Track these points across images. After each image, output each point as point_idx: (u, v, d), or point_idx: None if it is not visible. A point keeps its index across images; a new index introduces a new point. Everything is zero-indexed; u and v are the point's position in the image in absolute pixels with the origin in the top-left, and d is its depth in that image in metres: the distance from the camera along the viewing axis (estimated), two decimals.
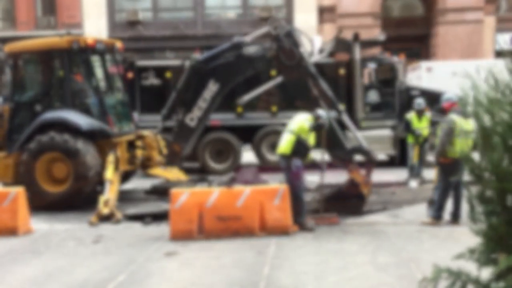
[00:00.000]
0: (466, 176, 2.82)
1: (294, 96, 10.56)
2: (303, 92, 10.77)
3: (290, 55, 8.86)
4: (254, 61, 9.21)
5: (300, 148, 7.35)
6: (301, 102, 10.65)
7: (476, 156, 2.72)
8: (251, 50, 9.26)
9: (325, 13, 21.49)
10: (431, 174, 9.34)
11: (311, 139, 7.57)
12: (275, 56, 8.94)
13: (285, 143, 7.37)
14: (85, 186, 9.08)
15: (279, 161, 7.60)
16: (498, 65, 3.12)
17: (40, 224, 7.97)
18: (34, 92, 9.93)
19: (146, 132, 10.44)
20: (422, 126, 10.73)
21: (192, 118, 9.43)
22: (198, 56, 10.01)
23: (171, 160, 10.05)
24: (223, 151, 13.09)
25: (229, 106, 12.68)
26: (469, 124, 7.07)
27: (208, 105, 9.39)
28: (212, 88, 9.32)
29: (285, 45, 8.81)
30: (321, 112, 7.69)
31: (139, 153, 10.23)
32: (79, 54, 9.54)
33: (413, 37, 22.34)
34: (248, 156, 13.68)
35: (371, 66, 13.22)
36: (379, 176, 11.95)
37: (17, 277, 5.70)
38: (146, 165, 10.27)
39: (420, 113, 10.70)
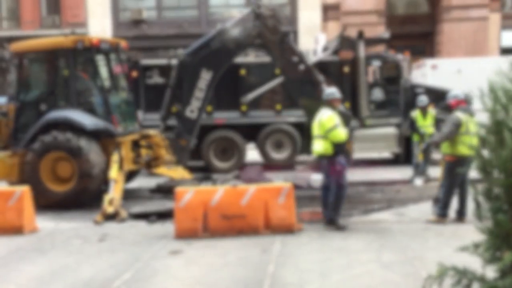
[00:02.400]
0: (472, 174, 2.81)
1: (298, 94, 10.64)
2: (307, 90, 10.85)
3: (274, 31, 9.34)
4: (240, 41, 9.51)
5: (340, 146, 7.25)
6: (305, 100, 10.71)
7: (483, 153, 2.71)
8: (235, 32, 9.50)
9: (329, 11, 21.44)
10: (436, 172, 9.31)
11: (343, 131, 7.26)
12: (259, 33, 9.33)
13: (324, 145, 7.18)
14: (90, 184, 9.11)
15: (318, 161, 7.48)
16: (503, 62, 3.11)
17: (46, 223, 8.01)
18: (39, 92, 9.96)
19: (153, 132, 10.46)
20: (426, 123, 10.71)
21: (192, 110, 9.69)
22: (183, 51, 10.14)
23: (181, 156, 10.16)
24: (228, 150, 13.10)
25: (234, 104, 12.69)
26: (474, 122, 7.05)
27: (205, 94, 9.65)
28: (205, 76, 9.60)
29: (268, 22, 9.29)
30: (331, 91, 7.47)
31: (143, 152, 10.26)
32: (83, 54, 9.56)
33: (418, 35, 22.27)
34: (252, 154, 13.69)
35: (376, 64, 13.17)
36: (384, 174, 11.97)
37: (23, 275, 5.73)
38: (154, 164, 10.30)
39: (424, 110, 10.66)
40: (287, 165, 12.86)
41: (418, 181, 10.66)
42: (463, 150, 7.04)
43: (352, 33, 13.49)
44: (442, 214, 7.38)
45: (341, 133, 7.14)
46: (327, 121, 7.16)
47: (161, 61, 13.35)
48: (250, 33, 9.42)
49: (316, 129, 7.36)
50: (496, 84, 2.63)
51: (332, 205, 7.26)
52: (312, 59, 12.85)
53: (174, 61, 10.24)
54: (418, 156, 10.82)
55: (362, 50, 12.58)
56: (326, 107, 7.38)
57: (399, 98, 12.97)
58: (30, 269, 5.94)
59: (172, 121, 10.94)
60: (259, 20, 9.36)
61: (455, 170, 6.99)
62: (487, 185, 2.59)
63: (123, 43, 10.45)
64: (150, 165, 10.36)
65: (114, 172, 8.81)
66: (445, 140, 7.24)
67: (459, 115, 7.21)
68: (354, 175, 11.72)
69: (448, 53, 20.65)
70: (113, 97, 10.12)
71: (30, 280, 5.57)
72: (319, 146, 7.30)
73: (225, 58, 9.71)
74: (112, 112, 9.68)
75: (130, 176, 10.42)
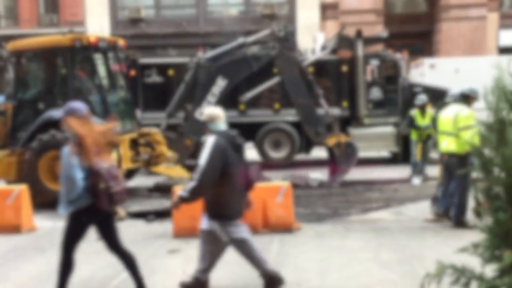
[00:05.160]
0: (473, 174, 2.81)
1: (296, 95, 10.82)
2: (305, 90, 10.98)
3: (292, 49, 10.38)
4: (260, 58, 10.34)
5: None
6: (303, 100, 10.81)
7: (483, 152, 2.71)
8: (255, 48, 10.40)
9: (327, 10, 21.44)
10: (434, 171, 9.33)
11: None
12: (278, 53, 10.18)
13: (457, 142, 6.84)
14: None
15: (447, 160, 7.08)
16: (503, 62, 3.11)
17: (44, 222, 7.99)
18: (37, 90, 9.94)
19: (153, 130, 10.46)
20: (425, 122, 10.72)
21: (202, 112, 10.06)
22: (203, 54, 10.48)
23: (182, 155, 10.33)
24: None
25: (232, 103, 12.69)
26: (473, 121, 7.04)
27: (217, 99, 10.08)
28: (220, 83, 10.21)
29: (289, 43, 10.31)
30: (474, 88, 7.14)
31: (142, 150, 10.25)
32: (81, 52, 9.54)
33: (416, 34, 22.28)
34: (250, 153, 13.69)
35: (374, 63, 13.18)
36: (382, 173, 11.98)
37: (22, 274, 5.73)
38: (156, 161, 10.31)
39: (422, 109, 10.68)
40: (286, 164, 12.86)
41: (416, 180, 10.67)
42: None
43: (350, 32, 13.48)
44: (439, 213, 7.33)
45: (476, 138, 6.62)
46: (467, 118, 6.72)
47: (160, 60, 13.36)
48: (269, 52, 10.29)
49: (447, 124, 6.98)
50: (500, 82, 2.63)
51: (458, 206, 6.92)
52: (310, 58, 12.86)
53: (192, 62, 10.67)
54: (416, 155, 10.84)
55: (360, 49, 12.59)
56: (462, 103, 7.02)
57: (397, 97, 12.99)
58: (28, 268, 5.93)
59: (173, 121, 11.00)
60: (279, 42, 10.19)
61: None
62: (487, 184, 2.60)
63: (121, 42, 10.44)
64: (150, 163, 10.35)
65: None
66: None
67: None
68: (352, 174, 11.73)
69: (447, 52, 20.66)
70: (112, 95, 10.11)
71: (28, 279, 5.57)
72: (450, 144, 6.91)
73: (242, 70, 10.37)
74: (111, 111, 9.66)
75: (128, 174, 10.41)
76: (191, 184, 4.56)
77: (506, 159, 2.43)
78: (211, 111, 4.88)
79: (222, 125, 4.79)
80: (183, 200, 4.60)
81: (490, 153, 2.62)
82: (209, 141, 4.61)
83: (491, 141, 2.59)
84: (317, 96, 10.70)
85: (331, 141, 10.46)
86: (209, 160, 4.51)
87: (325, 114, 10.81)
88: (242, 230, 4.85)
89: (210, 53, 10.53)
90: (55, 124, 9.26)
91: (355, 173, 11.78)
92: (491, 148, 2.61)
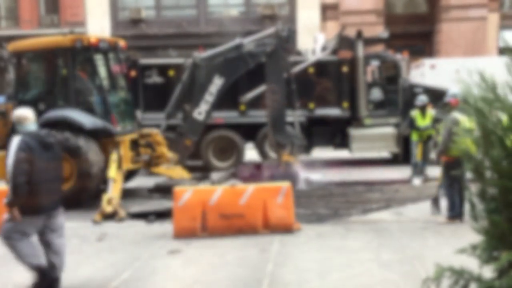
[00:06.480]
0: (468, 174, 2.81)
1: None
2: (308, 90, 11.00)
3: (290, 52, 10.51)
4: (256, 56, 10.26)
5: None
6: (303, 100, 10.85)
7: (477, 154, 2.71)
8: (251, 45, 10.27)
9: (328, 11, 21.45)
10: (434, 171, 9.30)
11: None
12: (273, 50, 10.10)
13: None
14: (88, 183, 9.10)
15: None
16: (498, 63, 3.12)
17: None
18: (38, 91, 9.95)
19: (153, 130, 10.48)
20: (426, 123, 10.72)
21: (200, 112, 10.19)
22: (200, 54, 10.43)
23: (182, 155, 10.33)
24: (226, 149, 13.10)
25: (233, 104, 12.69)
26: (472, 122, 7.00)
27: (214, 98, 10.17)
28: (217, 82, 10.14)
29: (288, 46, 10.37)
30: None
31: (142, 151, 10.26)
32: (82, 53, 9.55)
33: (417, 34, 22.28)
34: (251, 154, 13.69)
35: (375, 63, 13.18)
36: (383, 173, 11.97)
37: (22, 275, 5.72)
38: (157, 162, 10.32)
39: (423, 110, 10.67)
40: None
41: (417, 181, 10.66)
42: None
43: (351, 32, 13.49)
44: (450, 216, 7.32)
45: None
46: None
47: (160, 61, 13.35)
48: (264, 50, 10.23)
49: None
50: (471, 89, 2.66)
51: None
52: (311, 58, 12.86)
53: (188, 62, 10.66)
54: (417, 156, 10.83)
55: (361, 50, 12.59)
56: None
57: (397, 97, 12.98)
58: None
59: (173, 121, 11.01)
60: (279, 41, 10.13)
61: (453, 170, 6.91)
62: (481, 186, 2.60)
63: (122, 42, 10.44)
64: (150, 164, 10.36)
65: (113, 172, 8.81)
66: (449, 144, 7.05)
67: (456, 115, 7.18)
68: (353, 174, 11.74)
69: (447, 52, 20.66)
70: (112, 96, 10.12)
71: (29, 280, 5.57)
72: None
73: (239, 68, 10.32)
74: (111, 112, 9.67)
75: (129, 175, 10.41)
76: (9, 188, 4.75)
77: (495, 161, 2.44)
78: (19, 112, 5.11)
79: (30, 126, 5.06)
80: (10, 205, 4.75)
81: (480, 156, 2.64)
82: (14, 142, 4.84)
83: (480, 144, 2.61)
84: (294, 109, 10.73)
85: (285, 157, 10.48)
86: (16, 160, 4.73)
87: (295, 133, 10.82)
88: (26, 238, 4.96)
89: (208, 53, 10.52)
90: (55, 124, 9.29)
91: (356, 174, 11.79)
92: (481, 151, 2.63)
